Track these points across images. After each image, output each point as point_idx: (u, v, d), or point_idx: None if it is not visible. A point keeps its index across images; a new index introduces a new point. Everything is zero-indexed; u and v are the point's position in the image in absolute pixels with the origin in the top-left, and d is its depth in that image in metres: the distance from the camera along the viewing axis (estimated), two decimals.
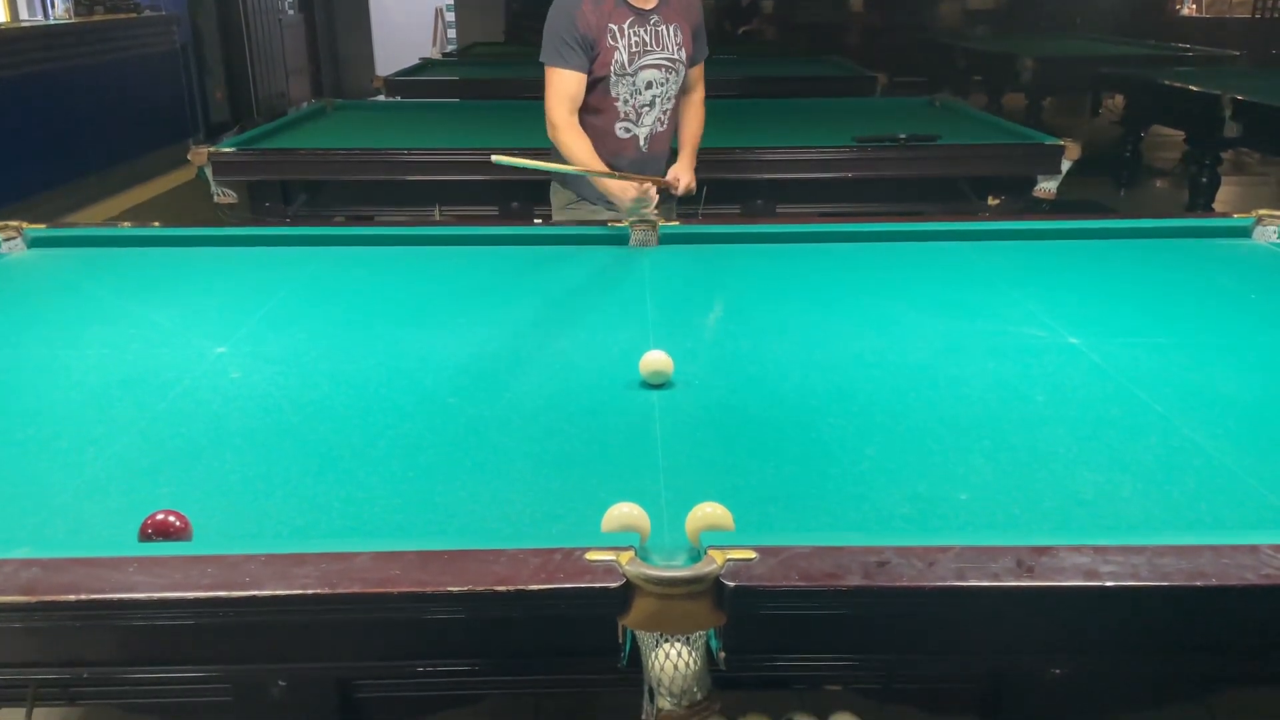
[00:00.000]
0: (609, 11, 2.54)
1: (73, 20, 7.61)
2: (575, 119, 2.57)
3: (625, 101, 2.64)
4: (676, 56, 2.64)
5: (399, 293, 2.22)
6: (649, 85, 2.63)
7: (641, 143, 2.72)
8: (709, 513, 1.16)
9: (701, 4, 2.74)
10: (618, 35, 2.54)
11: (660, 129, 2.74)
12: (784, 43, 10.55)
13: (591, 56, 2.54)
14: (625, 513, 1.17)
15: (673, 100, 2.73)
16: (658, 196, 2.39)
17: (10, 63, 6.33)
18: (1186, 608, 1.06)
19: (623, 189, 2.45)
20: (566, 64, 2.52)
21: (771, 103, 5.05)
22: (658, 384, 1.65)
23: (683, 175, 2.75)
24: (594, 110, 2.62)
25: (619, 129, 2.68)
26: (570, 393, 1.66)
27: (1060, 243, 2.51)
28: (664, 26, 2.61)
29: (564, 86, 2.53)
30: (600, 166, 2.48)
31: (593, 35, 2.52)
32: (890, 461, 1.40)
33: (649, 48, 2.59)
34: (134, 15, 8.06)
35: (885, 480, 1.35)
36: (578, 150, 2.54)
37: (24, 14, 8.33)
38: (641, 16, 2.57)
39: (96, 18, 7.68)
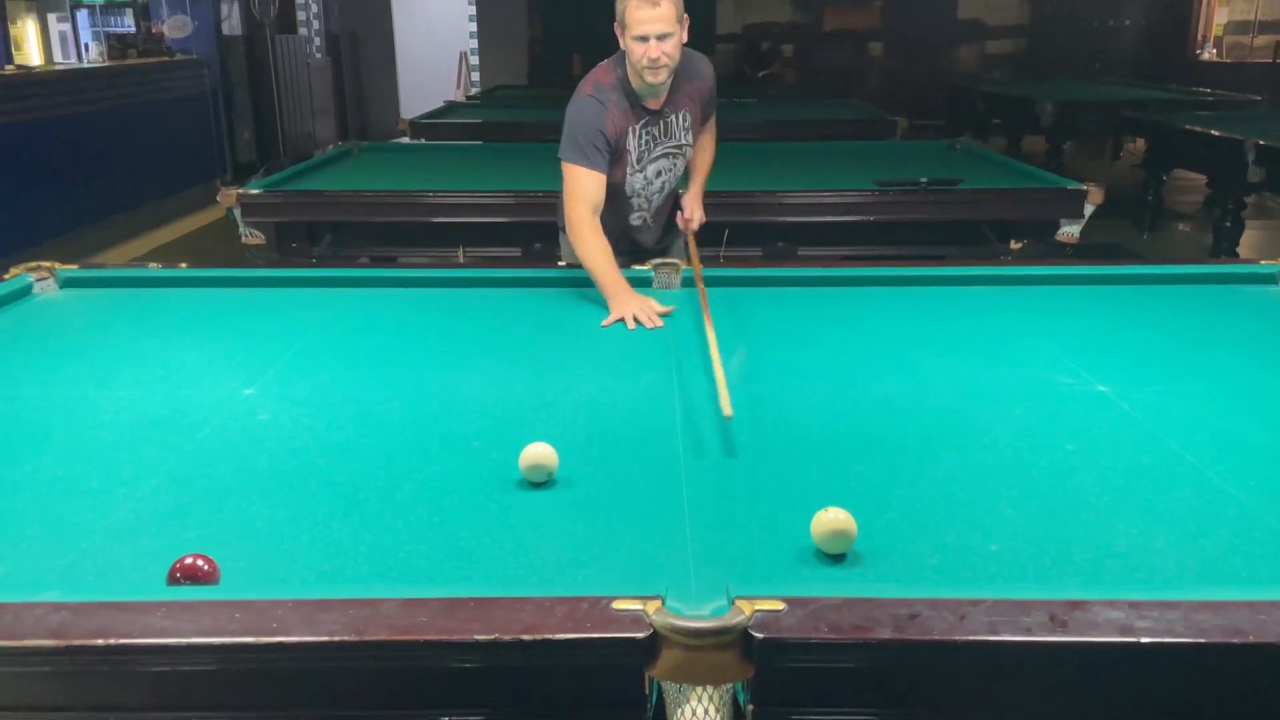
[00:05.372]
0: (626, 113, 2.52)
1: (106, 64, 7.78)
2: (595, 218, 2.49)
3: (639, 194, 2.66)
4: (684, 141, 2.64)
5: (424, 334, 2.23)
6: (659, 174, 2.65)
7: (650, 220, 2.76)
8: (834, 518, 1.24)
9: (714, 79, 2.70)
10: (630, 137, 2.54)
11: (664, 202, 2.76)
12: (803, 86, 10.65)
13: (612, 159, 2.54)
14: (538, 453, 1.44)
15: (678, 174, 2.73)
16: (659, 321, 2.26)
17: (45, 104, 6.48)
18: (1223, 665, 1.04)
19: (622, 304, 2.29)
20: (593, 165, 2.46)
21: (792, 146, 5.09)
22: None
23: (694, 209, 2.76)
24: (609, 204, 2.58)
25: (633, 218, 2.71)
26: (594, 436, 1.66)
27: (1085, 288, 2.50)
28: (674, 115, 2.59)
29: (588, 187, 2.46)
30: (612, 272, 2.36)
31: (616, 141, 2.51)
32: (918, 509, 1.39)
33: (658, 139, 2.59)
34: (166, 59, 8.24)
35: (913, 529, 1.34)
36: (591, 255, 2.42)
37: (58, 56, 8.54)
38: (654, 114, 2.57)
39: (129, 61, 7.86)
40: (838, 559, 1.26)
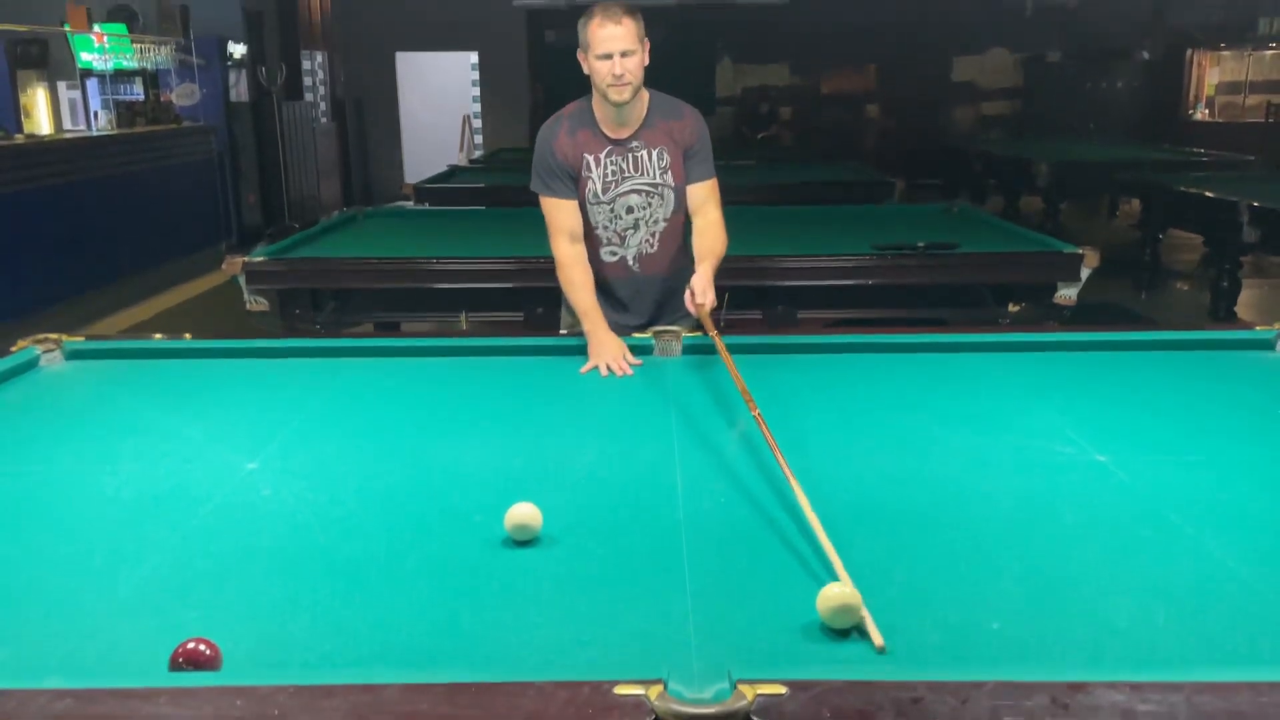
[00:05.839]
0: (585, 141, 2.58)
1: (115, 131, 7.91)
2: (577, 249, 2.60)
3: (606, 227, 2.66)
4: (660, 180, 2.62)
5: (425, 405, 2.25)
6: (630, 210, 2.64)
7: (631, 262, 2.71)
8: (838, 593, 1.25)
9: (700, 128, 2.64)
10: (593, 165, 2.58)
11: (650, 250, 2.70)
12: (802, 148, 10.82)
13: (574, 185, 2.60)
14: (524, 512, 1.50)
15: (662, 222, 2.67)
16: (629, 370, 2.41)
17: (55, 171, 6.58)
18: None
19: (597, 347, 2.46)
20: (554, 193, 2.57)
21: (791, 210, 5.15)
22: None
23: (701, 289, 2.50)
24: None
25: (604, 253, 2.70)
26: (595, 509, 1.66)
27: (1082, 354, 2.51)
28: (645, 151, 2.60)
29: (557, 216, 2.60)
30: (593, 313, 2.53)
31: (570, 165, 2.58)
32: (920, 585, 1.39)
33: (627, 174, 2.60)
34: (174, 126, 8.39)
35: (915, 606, 1.33)
36: (573, 292, 2.60)
37: (68, 124, 8.69)
38: (619, 145, 2.59)
39: (137, 129, 7.99)
40: (842, 634, 1.26)
